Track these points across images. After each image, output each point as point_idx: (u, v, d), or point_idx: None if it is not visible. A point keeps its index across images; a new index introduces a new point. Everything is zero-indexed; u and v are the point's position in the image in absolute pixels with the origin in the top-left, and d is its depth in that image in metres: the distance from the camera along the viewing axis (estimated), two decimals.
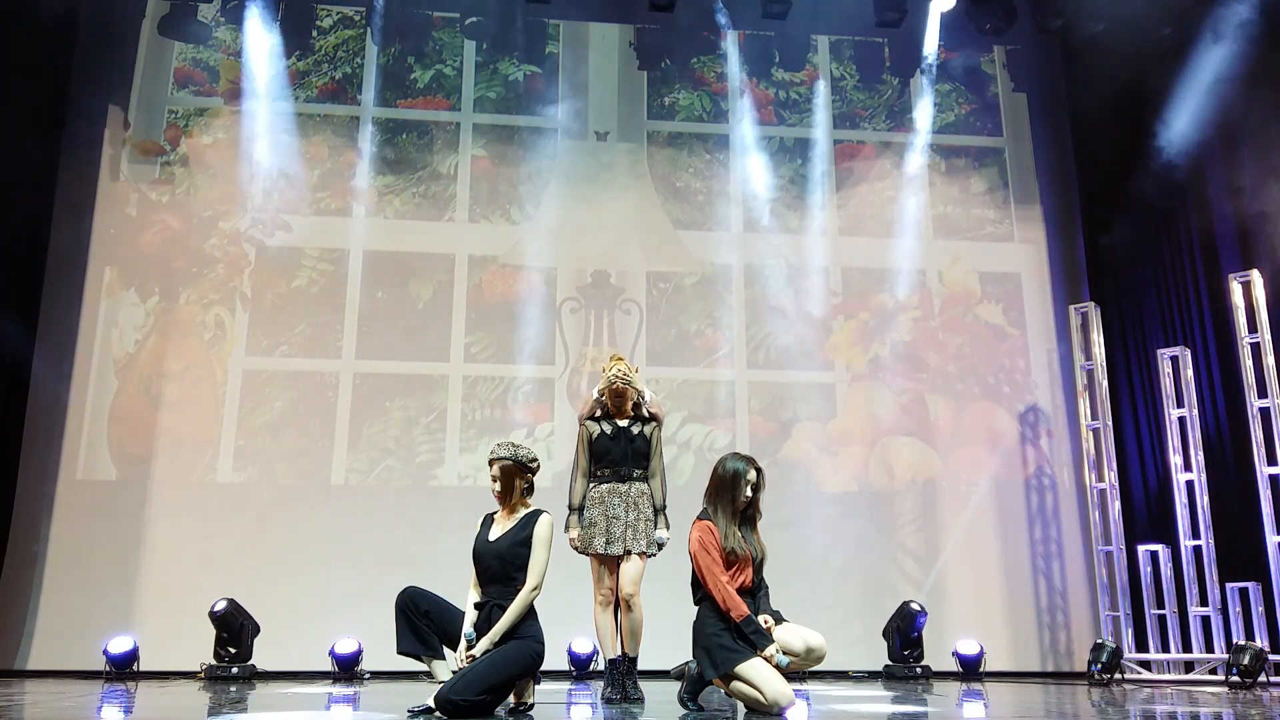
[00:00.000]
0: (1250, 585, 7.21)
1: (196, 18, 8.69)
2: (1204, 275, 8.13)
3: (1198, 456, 7.66)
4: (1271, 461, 7.25)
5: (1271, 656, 6.89)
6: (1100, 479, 8.20)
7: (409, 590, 4.09)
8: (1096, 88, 8.83)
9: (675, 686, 4.68)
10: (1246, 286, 7.51)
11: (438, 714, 3.69)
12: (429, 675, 4.13)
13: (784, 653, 3.91)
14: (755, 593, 4.13)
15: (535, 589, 3.99)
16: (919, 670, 7.56)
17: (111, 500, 7.88)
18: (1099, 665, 7.30)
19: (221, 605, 7.12)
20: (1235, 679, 6.65)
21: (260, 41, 8.70)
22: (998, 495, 8.75)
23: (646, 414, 5.00)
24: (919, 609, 7.73)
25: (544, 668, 4.14)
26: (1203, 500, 7.60)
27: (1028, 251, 9.34)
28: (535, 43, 9.12)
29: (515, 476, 4.10)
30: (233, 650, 7.11)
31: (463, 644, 3.94)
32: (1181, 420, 7.83)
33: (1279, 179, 7.64)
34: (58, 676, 7.18)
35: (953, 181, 9.41)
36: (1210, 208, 8.16)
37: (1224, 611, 7.35)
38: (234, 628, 7.15)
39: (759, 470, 4.19)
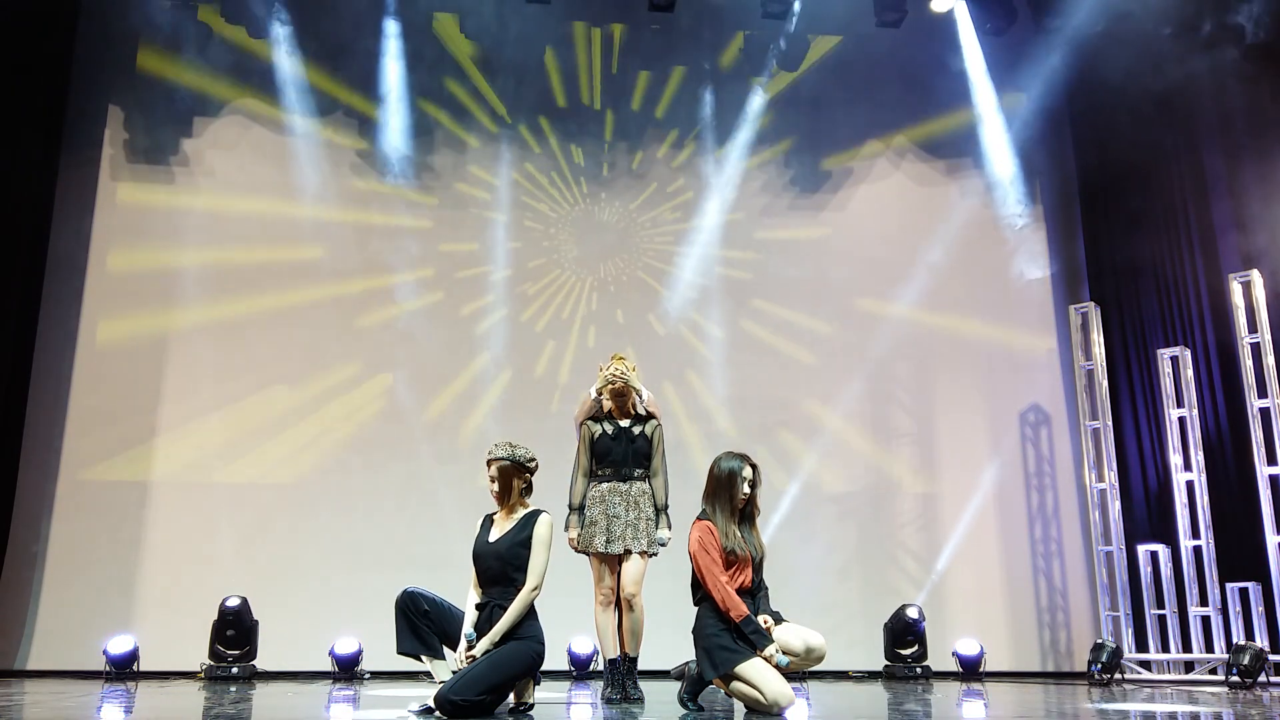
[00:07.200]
0: (1250, 585, 7.22)
1: (197, 18, 8.69)
2: (1204, 275, 8.12)
3: (1198, 456, 7.66)
4: (1271, 461, 7.26)
5: (1271, 656, 6.89)
6: (1100, 479, 8.20)
7: (409, 590, 4.09)
8: (1096, 88, 8.83)
9: (675, 686, 4.68)
10: (1246, 286, 7.51)
11: (438, 714, 3.69)
12: (429, 675, 4.13)
13: (784, 653, 3.91)
14: (755, 593, 4.12)
15: (535, 589, 3.99)
16: (919, 670, 7.56)
17: (111, 500, 7.88)
18: (1099, 665, 7.30)
19: (235, 601, 7.15)
20: (1235, 679, 6.65)
21: (262, 42, 8.69)
22: (998, 495, 8.75)
23: (645, 412, 4.99)
24: (917, 616, 7.72)
25: (544, 668, 4.14)
26: (1203, 500, 7.60)
27: (1028, 251, 9.33)
28: (534, 42, 9.11)
29: (513, 477, 4.11)
30: (242, 649, 7.12)
31: (463, 644, 3.94)
32: (1181, 420, 7.83)
33: (1279, 178, 7.64)
34: (58, 676, 7.19)
35: (953, 181, 9.40)
36: (1210, 208, 8.15)
37: (1224, 611, 7.35)
38: (244, 626, 7.17)
39: (755, 467, 4.18)
